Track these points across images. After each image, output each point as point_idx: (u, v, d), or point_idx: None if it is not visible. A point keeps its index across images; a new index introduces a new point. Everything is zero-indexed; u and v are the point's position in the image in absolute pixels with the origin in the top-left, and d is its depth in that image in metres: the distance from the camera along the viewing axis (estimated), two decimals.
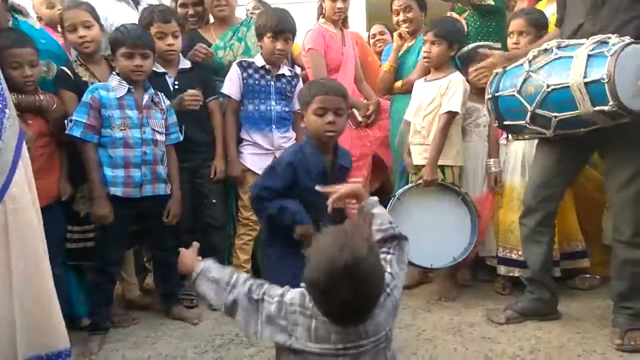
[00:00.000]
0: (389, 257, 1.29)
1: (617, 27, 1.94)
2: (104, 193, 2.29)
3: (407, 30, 2.98)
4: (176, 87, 2.63)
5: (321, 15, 3.14)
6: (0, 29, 2.22)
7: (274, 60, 2.70)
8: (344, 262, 1.07)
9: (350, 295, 1.08)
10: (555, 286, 2.38)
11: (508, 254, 2.64)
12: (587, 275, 2.67)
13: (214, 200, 2.72)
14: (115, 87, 2.33)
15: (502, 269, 2.67)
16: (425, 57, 2.68)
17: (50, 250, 1.86)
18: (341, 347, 1.16)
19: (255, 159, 2.73)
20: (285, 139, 2.77)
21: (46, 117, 2.26)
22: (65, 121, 2.28)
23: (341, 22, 3.17)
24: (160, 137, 2.43)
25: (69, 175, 2.38)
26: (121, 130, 2.31)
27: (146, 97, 2.39)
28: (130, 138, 2.32)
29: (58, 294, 1.87)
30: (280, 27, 2.62)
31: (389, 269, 1.25)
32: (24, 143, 1.79)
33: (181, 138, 2.55)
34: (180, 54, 2.71)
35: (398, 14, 3.01)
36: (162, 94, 2.51)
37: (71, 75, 2.39)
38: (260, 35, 2.68)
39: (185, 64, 2.71)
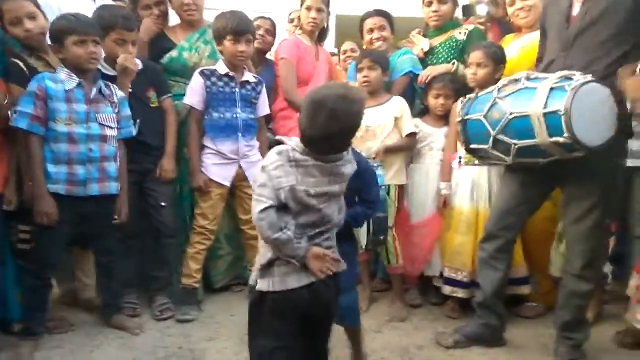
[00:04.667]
0: None
1: (585, 65, 2.02)
2: (46, 190, 2.17)
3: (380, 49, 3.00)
4: (130, 89, 2.53)
5: (298, 27, 3.15)
6: None
7: (236, 64, 2.65)
8: (337, 92, 1.52)
9: (323, 121, 1.47)
10: (505, 314, 2.41)
11: (453, 275, 2.68)
12: (533, 304, 2.73)
13: (162, 204, 2.62)
14: (63, 79, 2.21)
15: (447, 289, 2.71)
16: (364, 82, 2.73)
17: None
18: (315, 189, 1.54)
19: (218, 168, 2.67)
20: (249, 147, 2.72)
21: None
22: (10, 112, 2.14)
23: (317, 36, 3.18)
24: (110, 132, 2.32)
25: (17, 182, 2.23)
26: (66, 124, 2.19)
27: (94, 90, 2.27)
28: (75, 133, 2.20)
29: None
30: (241, 27, 2.58)
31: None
32: None
33: (134, 133, 2.45)
34: None
35: (371, 32, 3.02)
36: (115, 86, 2.40)
37: (24, 68, 2.25)
38: (219, 39, 2.62)
39: (137, 65, 2.62)
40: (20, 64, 2.26)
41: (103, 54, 2.39)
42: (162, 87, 2.67)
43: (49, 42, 2.33)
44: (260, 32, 3.26)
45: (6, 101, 2.14)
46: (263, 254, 1.61)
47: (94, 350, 2.27)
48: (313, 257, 1.55)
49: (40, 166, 2.16)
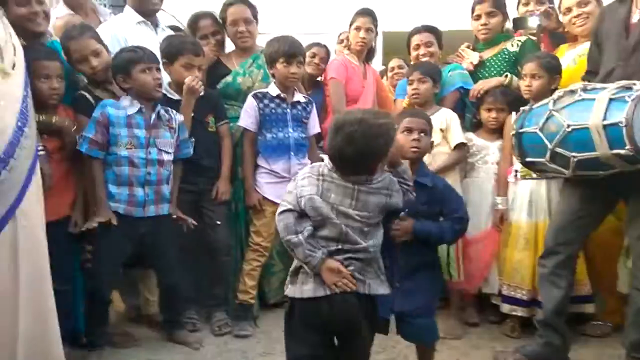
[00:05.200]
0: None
1: None
2: (107, 203, 2.30)
3: None
4: (192, 114, 2.65)
5: (347, 47, 3.20)
6: (32, 42, 2.26)
7: (288, 85, 2.72)
8: (355, 116, 1.60)
9: (346, 141, 1.56)
10: (568, 333, 2.32)
11: (512, 293, 2.60)
12: (599, 323, 2.60)
13: (217, 222, 2.71)
14: (126, 105, 2.35)
15: (505, 307, 2.64)
16: (414, 95, 2.77)
17: (58, 266, 1.86)
18: (335, 206, 1.63)
19: (271, 187, 2.74)
20: (301, 166, 2.75)
21: (63, 139, 2.27)
22: (78, 137, 2.30)
23: (365, 56, 3.23)
24: (167, 157, 2.43)
25: (84, 208, 2.36)
26: (127, 149, 2.32)
27: (154, 116, 2.39)
28: (136, 157, 2.33)
29: (61, 310, 1.88)
30: (292, 50, 2.65)
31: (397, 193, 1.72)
32: (38, 162, 1.80)
33: (191, 152, 2.57)
34: None
35: (418, 49, 3.04)
36: (174, 110, 2.51)
37: (90, 99, 2.40)
38: (272, 62, 2.69)
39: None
40: (88, 95, 2.41)
41: (165, 80, 2.51)
42: (221, 113, 2.78)
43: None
44: (316, 60, 3.33)
45: (74, 128, 2.29)
46: (295, 261, 1.71)
47: None
48: (327, 269, 1.61)
49: (101, 186, 2.30)
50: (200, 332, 2.66)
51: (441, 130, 2.72)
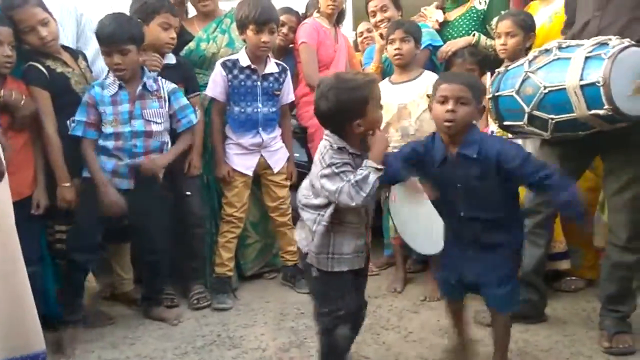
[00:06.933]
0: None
1: (623, 26, 1.91)
2: (108, 181, 2.27)
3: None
4: None
5: (316, 10, 3.10)
6: None
7: (259, 55, 2.60)
8: (334, 74, 1.72)
9: (320, 96, 1.64)
10: (545, 290, 2.37)
11: None
12: (573, 278, 2.67)
13: (187, 193, 2.63)
14: (109, 84, 2.30)
15: None
16: (396, 55, 2.65)
17: (25, 248, 1.80)
18: None
19: (240, 158, 2.68)
20: (271, 139, 2.71)
21: (13, 112, 2.13)
22: (68, 122, 2.27)
23: (335, 19, 3.14)
24: (157, 128, 2.35)
25: (45, 186, 2.26)
26: (112, 126, 2.28)
27: (139, 88, 2.31)
28: (121, 132, 2.29)
29: (33, 293, 1.81)
30: (264, 17, 2.50)
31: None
32: None
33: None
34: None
35: (375, 15, 3.00)
36: (163, 80, 2.42)
37: (43, 70, 2.25)
38: (242, 28, 2.56)
39: (171, 59, 2.60)
40: (39, 66, 2.26)
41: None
42: (192, 84, 2.67)
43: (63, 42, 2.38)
44: (284, 30, 3.12)
45: (22, 102, 2.14)
46: None
47: (135, 342, 2.31)
48: None
49: (96, 166, 2.28)
50: (178, 308, 2.62)
51: (428, 96, 2.60)
